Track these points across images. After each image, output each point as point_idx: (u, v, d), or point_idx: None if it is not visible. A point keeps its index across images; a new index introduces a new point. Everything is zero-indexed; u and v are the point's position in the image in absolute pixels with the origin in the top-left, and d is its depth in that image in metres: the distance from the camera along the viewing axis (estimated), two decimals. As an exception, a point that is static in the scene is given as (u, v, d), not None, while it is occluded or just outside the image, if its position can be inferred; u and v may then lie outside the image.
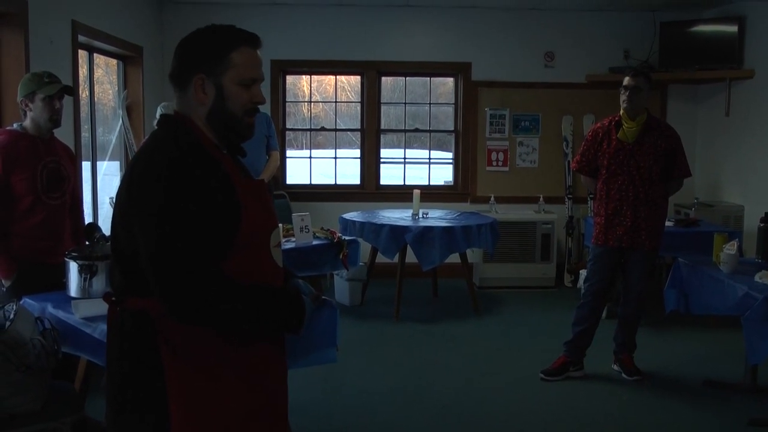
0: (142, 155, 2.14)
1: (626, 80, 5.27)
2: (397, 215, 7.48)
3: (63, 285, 3.87)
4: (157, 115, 6.30)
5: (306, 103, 9.43)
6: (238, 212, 2.07)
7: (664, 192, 5.37)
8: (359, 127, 9.06)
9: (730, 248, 4.96)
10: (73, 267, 3.76)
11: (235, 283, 2.04)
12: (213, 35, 2.17)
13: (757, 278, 4.65)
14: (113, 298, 2.17)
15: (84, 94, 6.65)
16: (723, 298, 4.74)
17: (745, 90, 7.79)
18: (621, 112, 5.31)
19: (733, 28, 7.85)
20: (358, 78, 9.08)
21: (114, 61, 7.50)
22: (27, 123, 4.26)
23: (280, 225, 5.60)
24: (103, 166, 7.17)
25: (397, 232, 6.84)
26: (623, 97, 5.26)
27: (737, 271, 4.87)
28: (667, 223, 6.26)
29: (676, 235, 6.62)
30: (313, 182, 9.20)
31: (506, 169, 8.95)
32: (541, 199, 8.57)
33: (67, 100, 5.01)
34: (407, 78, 9.16)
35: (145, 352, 2.07)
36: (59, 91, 4.24)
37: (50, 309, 3.70)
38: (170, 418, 2.05)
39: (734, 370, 5.47)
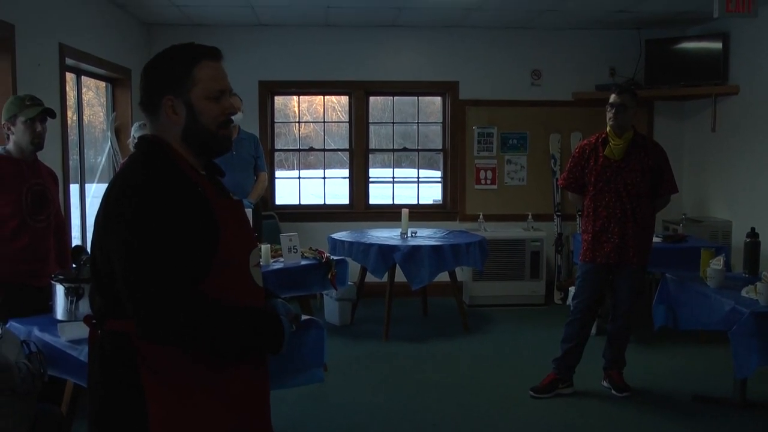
0: (118, 178, 2.15)
1: (612, 98, 5.31)
2: (385, 234, 7.48)
3: (48, 308, 3.86)
4: (132, 134, 6.30)
5: (295, 124, 9.44)
6: (215, 232, 2.08)
7: (652, 208, 5.39)
8: (348, 147, 9.08)
9: (717, 263, 4.99)
10: (59, 290, 3.76)
11: (211, 303, 2.04)
12: (173, 55, 2.18)
13: (743, 293, 4.68)
14: (94, 321, 2.17)
15: (74, 116, 6.65)
16: (710, 313, 4.76)
17: (731, 106, 7.84)
18: (607, 129, 5.34)
19: (718, 45, 7.92)
20: (347, 98, 9.11)
21: (104, 84, 7.51)
22: (10, 146, 4.26)
23: (269, 245, 5.65)
24: (92, 188, 7.16)
25: (385, 251, 6.83)
26: (609, 115, 5.29)
27: (724, 286, 4.89)
28: (656, 239, 6.29)
29: (664, 251, 6.63)
30: (302, 203, 9.20)
31: (495, 187, 8.98)
32: (530, 216, 8.59)
33: (55, 123, 5.02)
34: (395, 97, 9.19)
35: (126, 374, 2.06)
36: (40, 113, 4.24)
37: (36, 332, 3.69)
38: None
39: (723, 385, 5.48)
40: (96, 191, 7.21)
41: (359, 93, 8.88)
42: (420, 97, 9.22)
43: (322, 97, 9.32)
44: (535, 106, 8.88)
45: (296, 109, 9.39)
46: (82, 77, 6.87)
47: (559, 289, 8.57)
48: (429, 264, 6.76)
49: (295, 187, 9.19)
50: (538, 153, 8.96)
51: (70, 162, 6.31)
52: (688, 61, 8.20)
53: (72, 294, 3.72)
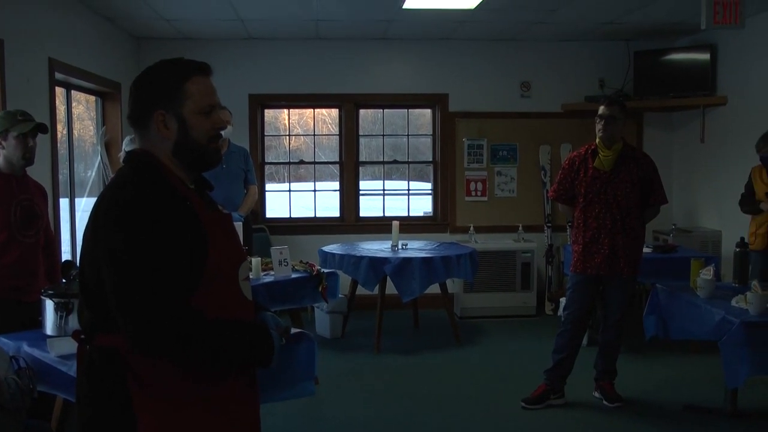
0: (107, 192, 2.15)
1: (601, 109, 5.32)
2: (376, 247, 7.48)
3: (38, 323, 3.84)
4: (123, 148, 6.28)
5: (286, 137, 9.45)
6: (204, 246, 2.08)
7: (641, 219, 5.41)
8: (338, 160, 9.08)
9: (707, 273, 5.00)
10: (49, 305, 3.74)
11: (200, 317, 2.04)
12: (164, 70, 2.19)
13: (733, 303, 4.69)
14: (82, 336, 2.16)
15: (63, 131, 6.64)
16: (701, 323, 4.76)
17: (719, 116, 7.88)
18: (597, 140, 5.36)
19: (706, 56, 7.97)
20: (337, 111, 9.11)
21: (94, 98, 7.50)
22: (0, 161, 4.25)
23: (259, 259, 5.64)
24: (81, 202, 7.14)
25: (376, 263, 6.83)
26: (599, 126, 5.30)
27: (714, 296, 4.90)
28: (646, 249, 6.30)
29: (654, 261, 6.65)
30: (292, 215, 9.20)
31: (485, 198, 8.98)
32: (521, 228, 8.60)
33: (45, 137, 5.00)
34: (385, 110, 9.21)
35: (115, 389, 2.06)
36: (33, 129, 4.23)
37: (26, 347, 3.67)
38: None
39: (714, 395, 5.48)
40: (86, 205, 7.19)
41: (349, 106, 8.89)
42: (410, 110, 9.24)
43: (312, 110, 9.33)
44: (525, 118, 8.90)
45: (286, 122, 9.40)
46: (72, 91, 6.86)
47: (550, 300, 8.57)
48: (420, 276, 6.75)
49: (285, 200, 9.18)
50: (528, 164, 8.98)
51: (60, 176, 6.30)
52: (677, 73, 8.24)
53: (61, 309, 3.70)
